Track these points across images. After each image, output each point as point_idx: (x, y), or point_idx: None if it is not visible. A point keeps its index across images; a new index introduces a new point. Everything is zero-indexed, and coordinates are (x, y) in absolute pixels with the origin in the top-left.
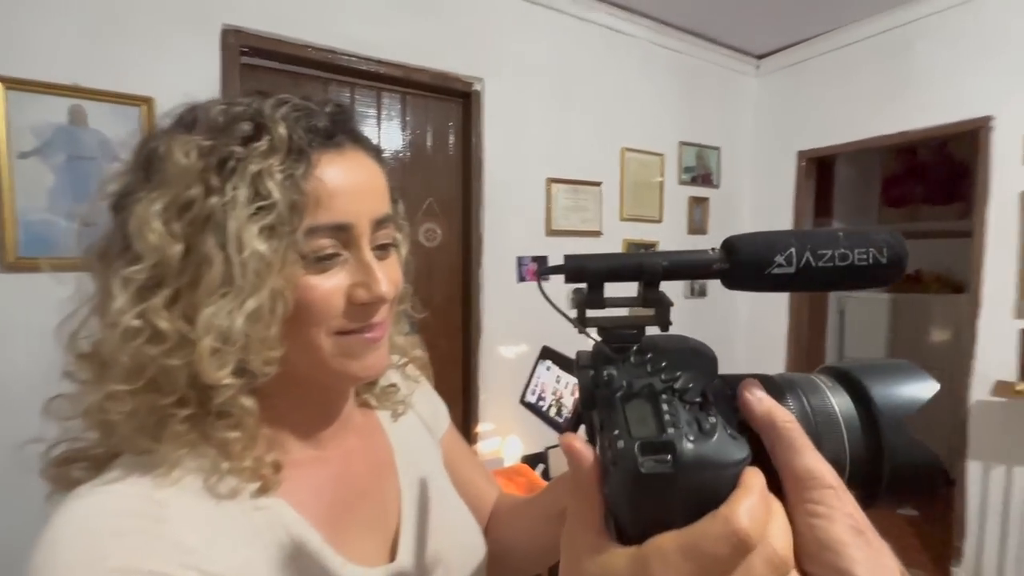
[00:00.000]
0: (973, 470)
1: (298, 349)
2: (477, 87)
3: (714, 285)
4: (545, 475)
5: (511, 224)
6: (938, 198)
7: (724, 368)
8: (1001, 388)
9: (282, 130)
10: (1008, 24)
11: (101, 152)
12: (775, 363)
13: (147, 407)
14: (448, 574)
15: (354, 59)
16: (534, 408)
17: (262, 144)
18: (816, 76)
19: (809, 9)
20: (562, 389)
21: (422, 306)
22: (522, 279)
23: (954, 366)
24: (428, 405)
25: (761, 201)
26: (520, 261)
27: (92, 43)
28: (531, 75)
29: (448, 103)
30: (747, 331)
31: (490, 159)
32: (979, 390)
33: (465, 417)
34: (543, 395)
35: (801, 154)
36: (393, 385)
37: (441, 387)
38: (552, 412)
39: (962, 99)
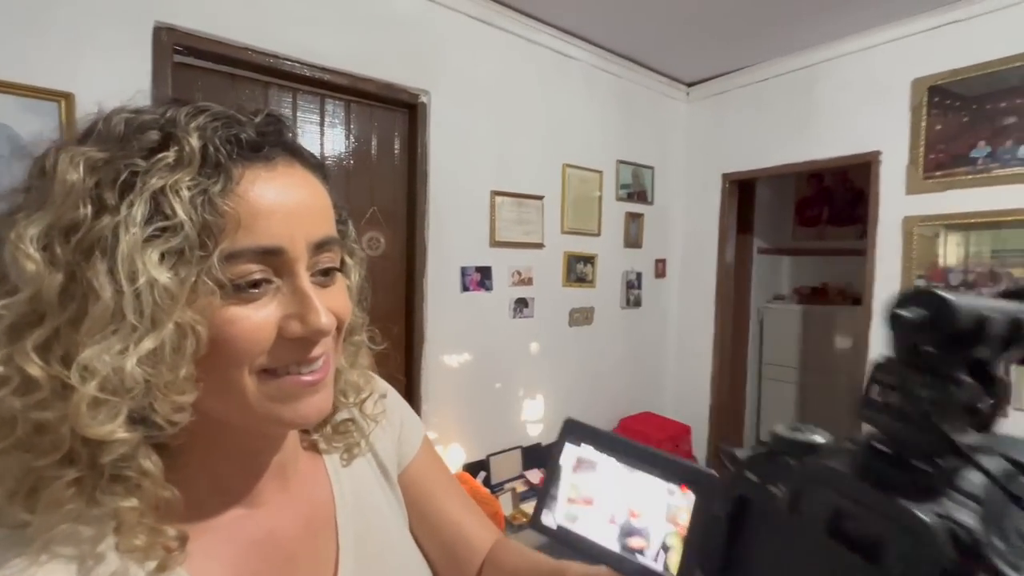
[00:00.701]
0: None
1: (217, 393)
2: (423, 99)
3: (648, 297)
4: (486, 482)
5: (455, 234)
6: (841, 220)
7: (655, 369)
8: None
9: (195, 141)
10: (892, 72)
11: (9, 149)
12: (703, 366)
13: (19, 469)
14: None
15: (297, 65)
16: (569, 539)
17: (168, 156)
18: (738, 106)
19: (731, 44)
20: (631, 501)
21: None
22: (466, 289)
23: (854, 369)
24: (389, 438)
25: (691, 218)
26: (464, 271)
27: (2, 32)
28: (478, 90)
29: (394, 113)
30: (677, 337)
31: (435, 170)
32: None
33: None
34: (582, 510)
35: (725, 176)
36: (350, 420)
37: None
38: (624, 542)
39: (856, 135)
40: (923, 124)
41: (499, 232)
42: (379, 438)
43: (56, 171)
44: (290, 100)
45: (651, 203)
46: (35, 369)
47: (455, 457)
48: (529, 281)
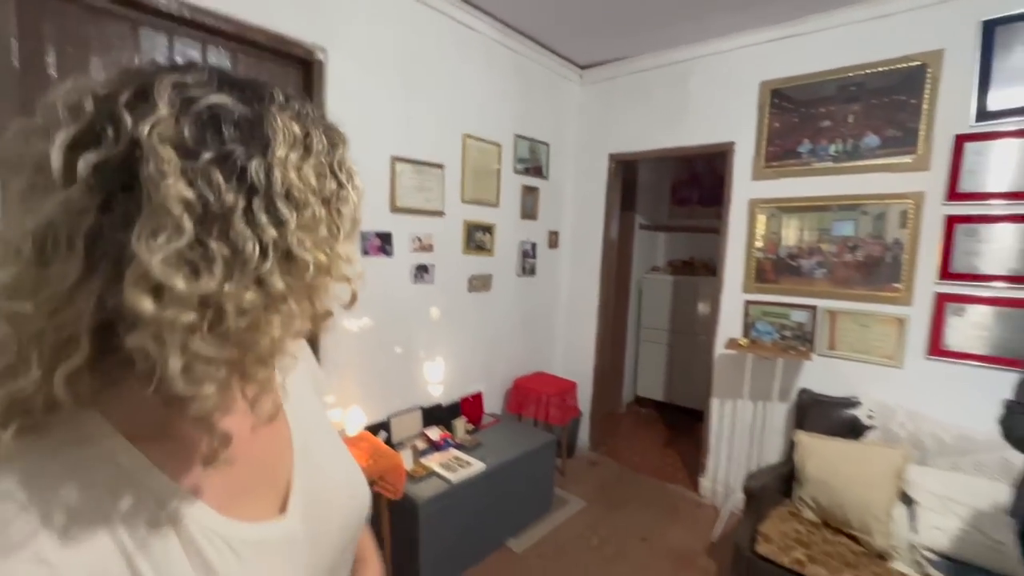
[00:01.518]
0: (715, 405)
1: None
2: (320, 56)
3: (542, 266)
4: (387, 442)
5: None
6: (708, 201)
7: (547, 333)
8: (730, 343)
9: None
10: (746, 73)
11: None
12: (588, 329)
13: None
14: (335, 523)
15: (174, 3)
16: None
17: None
18: (625, 91)
19: (621, 32)
20: None
21: None
22: (366, 254)
23: (711, 331)
24: (312, 362)
25: (581, 194)
26: (364, 236)
27: None
28: (378, 53)
29: (287, 68)
30: (567, 304)
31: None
32: (720, 347)
33: None
34: None
35: (612, 156)
36: None
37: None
38: None
39: (718, 126)
40: (766, 121)
41: (400, 198)
42: (308, 359)
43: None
44: (165, 43)
45: (546, 178)
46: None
47: (356, 420)
48: (430, 248)
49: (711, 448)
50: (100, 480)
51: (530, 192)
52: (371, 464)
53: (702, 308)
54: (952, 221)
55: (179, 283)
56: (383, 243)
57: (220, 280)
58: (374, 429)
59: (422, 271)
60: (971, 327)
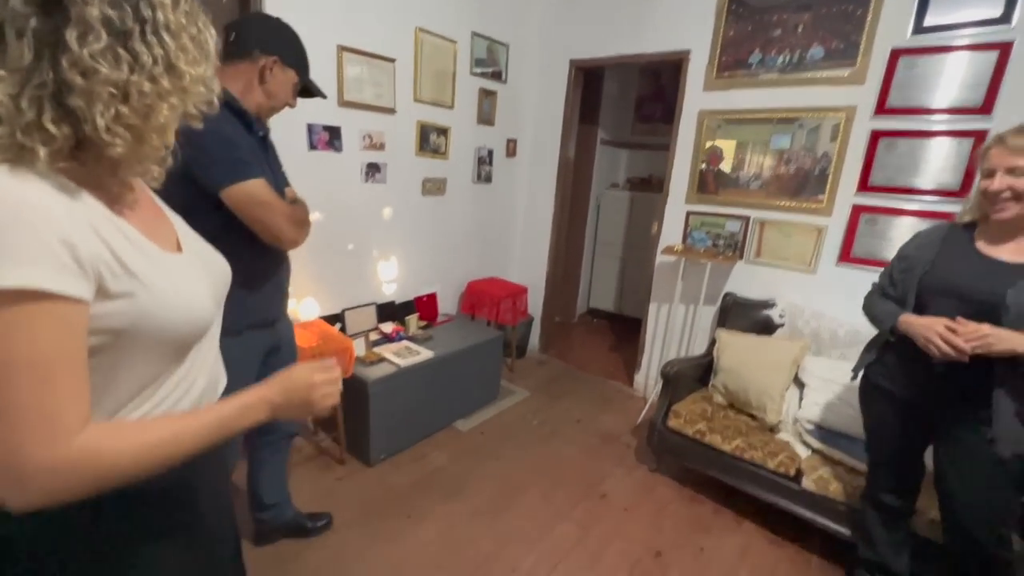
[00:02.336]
0: (652, 309)
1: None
2: None
3: (499, 174)
4: (342, 331)
5: None
6: (671, 118)
7: (503, 240)
8: (667, 249)
9: None
10: None
11: None
12: (544, 240)
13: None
14: (217, 264)
15: None
16: None
17: None
18: None
19: None
20: None
21: None
22: (313, 147)
23: (654, 241)
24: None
25: (542, 101)
26: (311, 128)
27: None
28: None
29: None
30: (524, 214)
31: (273, 11)
32: (661, 256)
33: None
34: None
35: (572, 62)
36: None
37: None
38: None
39: (676, 33)
40: (722, 29)
41: (347, 91)
42: None
43: None
44: None
45: (505, 82)
46: None
47: (309, 310)
48: (381, 146)
49: (646, 347)
50: (78, 197)
51: (488, 96)
52: (320, 345)
53: (656, 225)
54: (877, 135)
55: (102, 69)
56: (332, 137)
57: (126, 74)
58: (330, 321)
59: (373, 170)
60: (876, 236)
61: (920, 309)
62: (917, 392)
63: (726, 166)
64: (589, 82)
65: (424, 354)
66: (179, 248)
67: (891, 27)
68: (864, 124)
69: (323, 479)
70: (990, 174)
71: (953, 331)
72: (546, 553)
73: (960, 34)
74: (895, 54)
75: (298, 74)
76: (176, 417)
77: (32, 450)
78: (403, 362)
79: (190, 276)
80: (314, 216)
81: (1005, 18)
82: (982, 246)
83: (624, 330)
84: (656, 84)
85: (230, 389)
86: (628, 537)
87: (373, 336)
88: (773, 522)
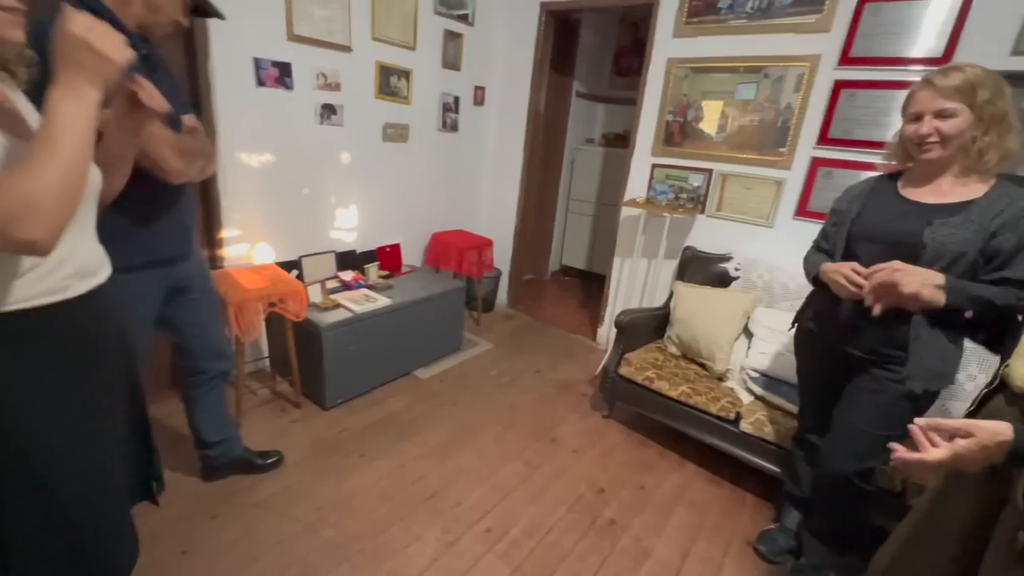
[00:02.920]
0: (616, 263)
1: None
2: None
3: (465, 121)
4: (299, 278)
5: (243, 21)
6: None
7: (471, 192)
8: (629, 202)
9: None
10: None
11: None
12: (512, 194)
13: None
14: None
15: None
16: None
17: None
18: None
19: None
20: None
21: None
22: (261, 84)
23: (620, 194)
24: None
25: (511, 48)
26: (258, 63)
27: None
28: None
29: None
30: (493, 166)
31: None
32: (624, 209)
33: (207, 222)
34: None
35: (543, 6)
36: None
37: None
38: None
39: None
40: None
41: (297, 24)
42: None
43: None
44: None
45: (472, 24)
46: None
47: (263, 255)
48: (336, 87)
49: (609, 301)
50: None
51: (453, 38)
52: (269, 287)
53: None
54: (839, 86)
55: None
56: (281, 74)
57: None
58: (286, 268)
59: (329, 111)
60: (832, 190)
61: (849, 258)
62: (837, 334)
63: (692, 116)
64: (564, 31)
65: (381, 302)
66: None
67: None
68: (827, 74)
69: (278, 421)
70: (917, 118)
71: (858, 272)
72: (491, 489)
73: None
74: (861, 0)
75: None
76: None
77: None
78: (359, 308)
79: None
80: (264, 157)
81: None
82: (906, 191)
83: (594, 287)
84: (635, 35)
85: (132, 327)
86: (573, 476)
87: (331, 284)
88: (714, 464)
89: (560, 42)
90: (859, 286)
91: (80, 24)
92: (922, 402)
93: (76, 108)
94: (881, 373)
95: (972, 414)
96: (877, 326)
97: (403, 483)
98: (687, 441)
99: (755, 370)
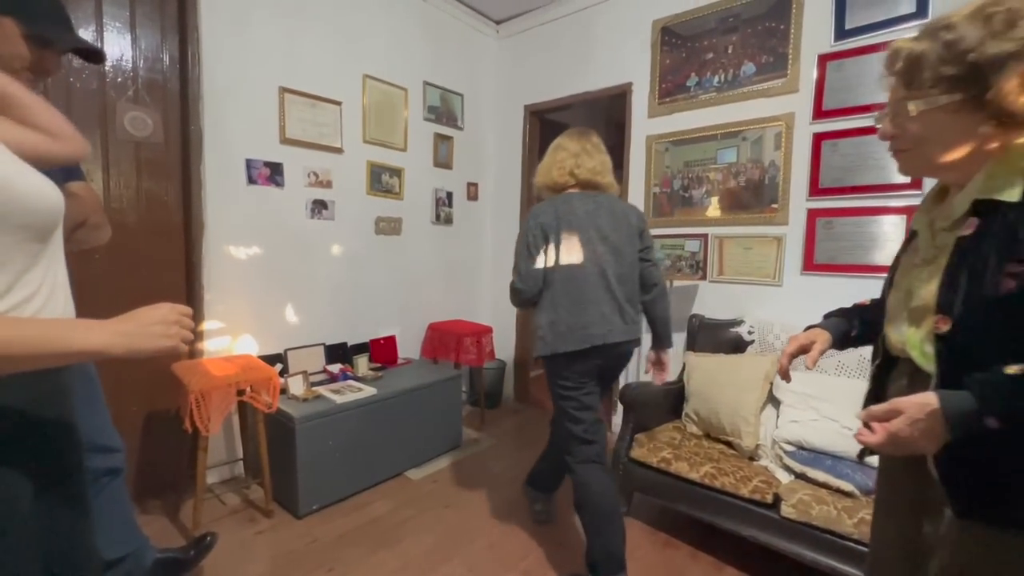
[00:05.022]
0: None
1: None
2: None
3: (460, 216)
4: (282, 373)
5: (238, 125)
6: None
7: (470, 283)
8: None
9: None
10: (640, 14)
11: None
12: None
13: None
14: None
15: None
16: None
17: None
18: (538, 42)
19: None
20: None
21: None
22: (253, 182)
23: None
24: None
25: (501, 146)
26: (250, 164)
27: None
28: None
29: None
30: (492, 256)
31: (211, 55)
32: None
33: None
34: None
35: (526, 107)
36: None
37: (162, 286)
38: None
39: (618, 68)
40: (658, 59)
41: (290, 129)
42: None
43: None
44: None
45: (462, 128)
46: None
47: (246, 347)
48: (328, 184)
49: (620, 383)
50: None
51: (444, 140)
52: (239, 373)
53: None
54: (819, 138)
55: None
56: (272, 173)
57: None
58: (271, 362)
59: (320, 206)
60: (835, 239)
61: None
62: None
63: (678, 186)
64: (546, 124)
65: (367, 391)
66: None
67: (814, 35)
68: (804, 129)
69: (241, 533)
70: None
71: None
72: None
73: (880, 33)
74: (822, 59)
75: (18, 22)
76: (10, 320)
77: None
78: (340, 399)
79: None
80: (252, 251)
81: (921, 12)
82: None
83: None
84: (617, 118)
85: None
86: None
87: (316, 377)
88: (758, 565)
89: (545, 135)
90: None
91: (178, 316)
92: None
93: (72, 335)
94: None
95: (877, 398)
96: None
97: None
98: (722, 537)
99: (788, 442)
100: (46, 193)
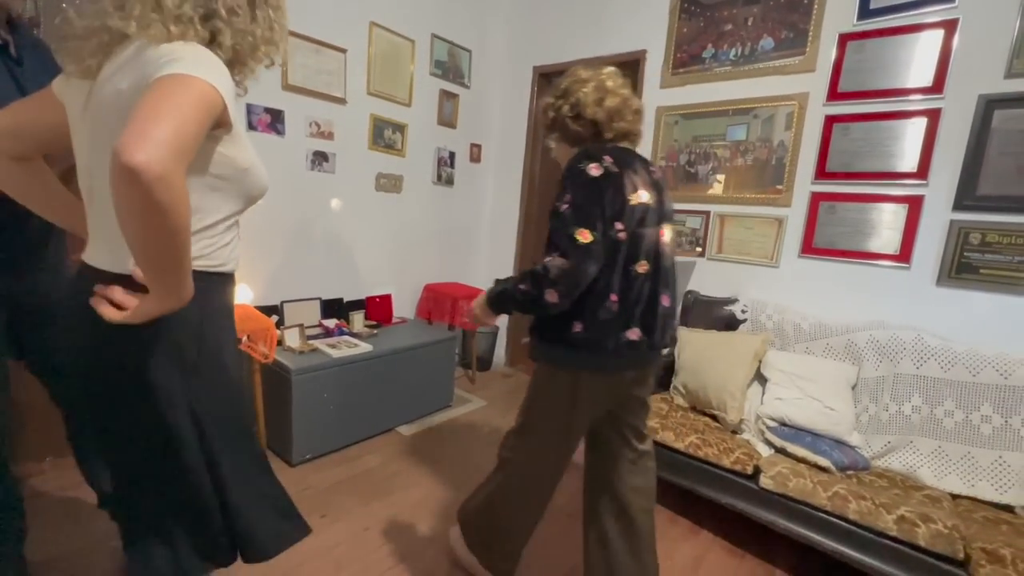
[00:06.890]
0: None
1: None
2: None
3: (462, 178)
4: (278, 324)
5: None
6: None
7: (467, 246)
8: None
9: None
10: None
11: None
12: (510, 249)
13: None
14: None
15: None
16: None
17: None
18: (547, 2)
19: None
20: None
21: None
22: (252, 127)
23: None
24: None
25: (507, 108)
26: (250, 109)
27: None
28: None
29: None
30: (491, 221)
31: None
32: None
33: None
34: None
35: (535, 69)
36: None
37: None
38: None
39: (633, 34)
40: (676, 26)
41: (292, 75)
42: None
43: None
44: None
45: (468, 86)
46: None
47: (243, 296)
48: (329, 135)
49: None
50: None
51: (449, 98)
52: (236, 323)
53: None
54: (831, 121)
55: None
56: (273, 120)
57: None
58: (267, 312)
59: (320, 158)
60: (836, 224)
61: None
62: None
63: (684, 160)
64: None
65: (362, 347)
66: None
67: (837, 13)
68: (817, 111)
69: None
70: None
71: None
72: None
73: (905, 15)
74: (843, 39)
75: None
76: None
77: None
78: (336, 353)
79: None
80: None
81: None
82: None
83: None
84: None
85: None
86: (567, 545)
87: (312, 331)
88: (735, 531)
89: None
90: None
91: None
92: None
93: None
94: None
95: None
96: None
97: (364, 550)
98: (701, 504)
99: (772, 418)
100: (266, 178)
